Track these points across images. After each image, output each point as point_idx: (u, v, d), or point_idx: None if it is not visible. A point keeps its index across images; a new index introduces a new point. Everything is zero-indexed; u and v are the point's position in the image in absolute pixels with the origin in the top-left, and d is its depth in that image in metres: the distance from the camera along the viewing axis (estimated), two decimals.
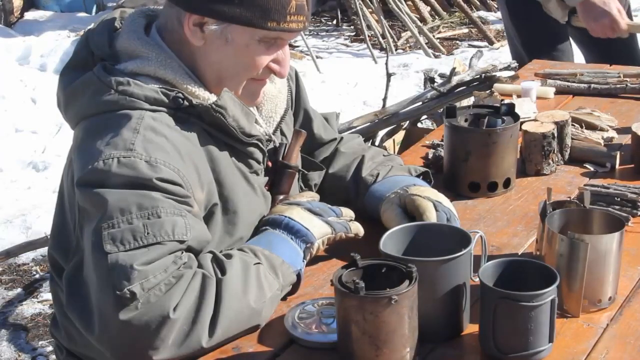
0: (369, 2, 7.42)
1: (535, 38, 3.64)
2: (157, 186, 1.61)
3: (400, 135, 3.83)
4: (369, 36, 7.24)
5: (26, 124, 5.54)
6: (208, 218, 1.75)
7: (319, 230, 1.82)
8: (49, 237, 1.91)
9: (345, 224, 1.88)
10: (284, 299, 1.75)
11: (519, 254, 1.93)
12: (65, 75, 1.79)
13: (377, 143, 3.82)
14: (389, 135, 3.87)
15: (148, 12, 1.83)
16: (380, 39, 7.34)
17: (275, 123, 1.95)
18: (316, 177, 2.08)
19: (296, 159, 1.95)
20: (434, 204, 1.88)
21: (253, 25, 1.71)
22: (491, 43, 7.28)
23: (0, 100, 5.89)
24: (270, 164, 1.91)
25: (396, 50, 7.28)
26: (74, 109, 1.75)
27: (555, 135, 2.28)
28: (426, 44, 7.17)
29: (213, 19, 1.71)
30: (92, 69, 1.73)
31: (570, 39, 3.69)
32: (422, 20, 7.82)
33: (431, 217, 1.85)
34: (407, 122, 3.85)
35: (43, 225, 4.16)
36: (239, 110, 1.76)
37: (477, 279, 1.58)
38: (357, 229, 1.89)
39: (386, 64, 4.24)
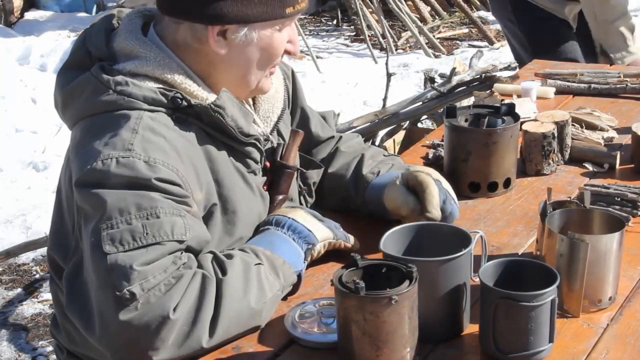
0: (369, 2, 7.42)
1: (544, 39, 3.65)
2: (156, 186, 1.60)
3: (400, 135, 3.83)
4: (369, 36, 7.24)
5: (26, 124, 5.54)
6: (207, 218, 1.75)
7: (322, 233, 1.83)
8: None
9: (346, 234, 1.89)
10: (284, 298, 1.75)
11: (519, 254, 1.93)
12: (63, 75, 1.78)
13: (377, 143, 3.83)
14: (389, 135, 3.88)
15: (145, 12, 1.83)
16: (381, 39, 7.34)
17: (273, 123, 1.95)
18: (315, 175, 2.08)
19: (294, 159, 1.95)
20: (434, 181, 1.89)
21: (275, 18, 1.74)
22: (491, 43, 7.28)
23: (0, 100, 5.89)
24: (268, 164, 1.91)
25: (396, 50, 7.28)
26: (72, 109, 1.75)
27: (556, 135, 2.28)
28: (426, 44, 7.17)
29: (237, 25, 1.71)
30: (90, 69, 1.73)
31: None
32: (422, 20, 7.82)
33: (433, 191, 1.85)
34: (407, 122, 3.85)
35: (43, 225, 4.17)
36: (237, 110, 1.76)
37: (477, 279, 1.58)
38: (356, 242, 1.91)
39: (386, 64, 4.25)
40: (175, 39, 1.75)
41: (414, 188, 1.90)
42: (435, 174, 1.94)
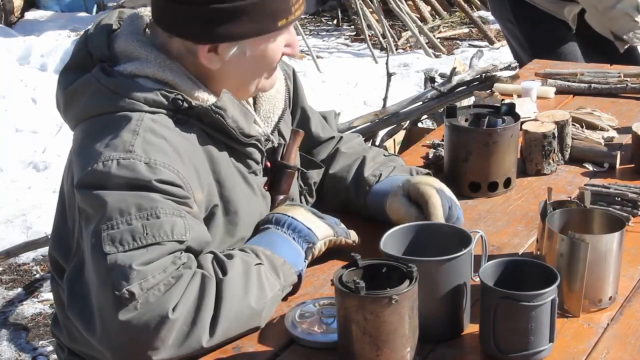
0: (370, 2, 7.42)
1: (543, 41, 3.65)
2: (157, 188, 1.61)
3: (400, 135, 3.83)
4: (369, 36, 7.24)
5: (26, 124, 5.54)
6: (209, 219, 1.75)
7: (322, 231, 1.82)
8: (49, 237, 1.91)
9: (346, 230, 1.89)
10: (284, 298, 1.75)
11: (519, 253, 1.93)
12: (64, 76, 1.78)
13: (377, 143, 3.82)
14: (389, 135, 3.88)
15: (147, 13, 1.83)
16: (381, 38, 7.34)
17: (273, 123, 1.95)
18: (315, 175, 2.08)
19: (294, 159, 1.95)
20: (437, 191, 1.89)
21: (267, 32, 1.73)
22: (492, 43, 7.28)
23: (0, 100, 5.89)
24: (269, 164, 1.91)
25: (396, 50, 7.28)
26: (74, 111, 1.75)
27: (556, 135, 2.28)
28: (427, 43, 7.17)
29: (228, 42, 1.71)
30: (91, 70, 1.73)
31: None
32: (423, 19, 7.82)
33: (436, 203, 1.85)
34: (407, 122, 3.85)
35: (43, 225, 4.16)
36: (238, 111, 1.77)
37: (478, 279, 1.58)
38: (355, 236, 1.91)
39: (386, 63, 4.25)
40: (168, 48, 1.75)
41: (416, 200, 1.90)
42: (437, 183, 1.93)
